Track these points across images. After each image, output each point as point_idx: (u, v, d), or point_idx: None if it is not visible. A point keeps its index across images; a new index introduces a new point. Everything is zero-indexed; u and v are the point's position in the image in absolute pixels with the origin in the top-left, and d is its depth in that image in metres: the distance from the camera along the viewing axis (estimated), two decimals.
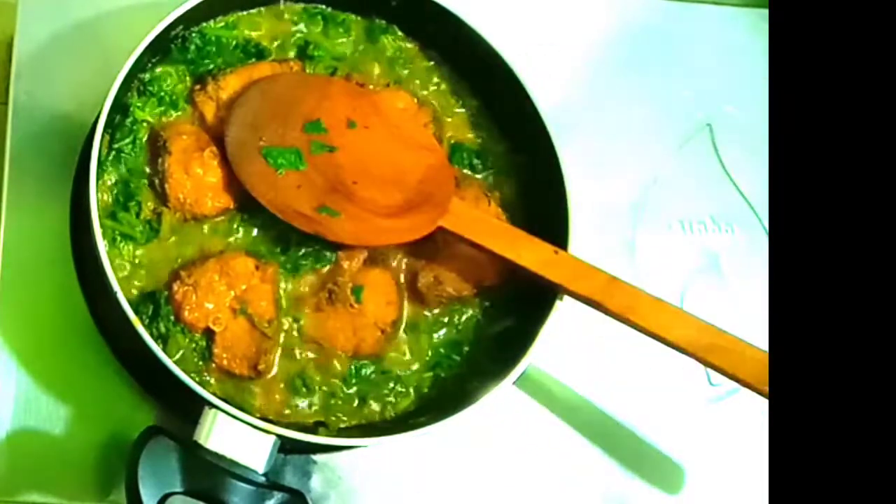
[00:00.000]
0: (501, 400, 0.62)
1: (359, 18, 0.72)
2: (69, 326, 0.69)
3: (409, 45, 0.72)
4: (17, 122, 0.71)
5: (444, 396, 0.66)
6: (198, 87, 0.67)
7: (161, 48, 0.67)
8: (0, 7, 0.75)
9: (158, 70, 0.68)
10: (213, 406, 0.59)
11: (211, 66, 0.68)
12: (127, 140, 0.66)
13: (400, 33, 0.72)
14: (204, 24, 0.69)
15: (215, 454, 0.58)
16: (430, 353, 0.67)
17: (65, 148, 0.71)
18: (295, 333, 0.65)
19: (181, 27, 0.67)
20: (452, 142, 0.71)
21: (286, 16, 0.71)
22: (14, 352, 0.68)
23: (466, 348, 0.68)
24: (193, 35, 0.68)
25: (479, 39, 0.68)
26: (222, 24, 0.70)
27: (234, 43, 0.69)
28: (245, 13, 0.70)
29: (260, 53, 0.70)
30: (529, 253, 0.64)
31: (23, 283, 0.69)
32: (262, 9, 0.71)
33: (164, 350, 0.61)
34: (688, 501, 0.73)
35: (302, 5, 0.71)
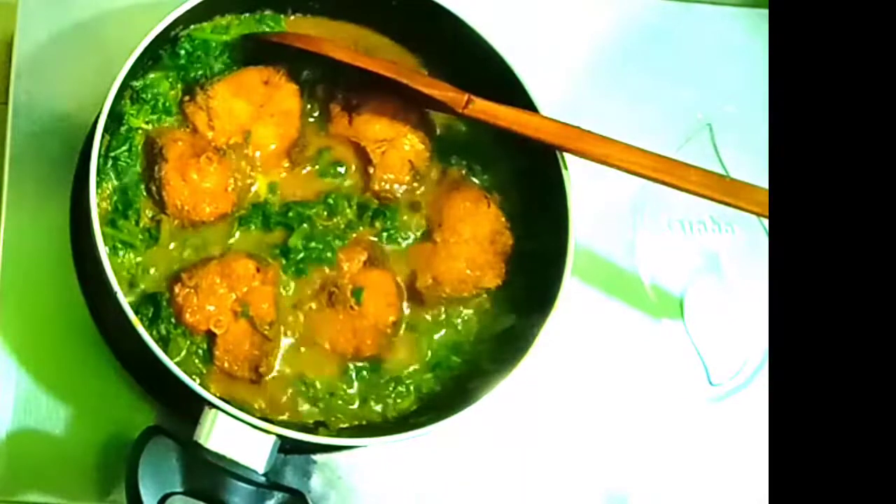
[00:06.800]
0: (501, 400, 0.62)
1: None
2: (69, 326, 0.69)
3: None
4: (17, 122, 0.71)
5: (444, 396, 0.66)
6: (186, 98, 0.67)
7: (153, 54, 0.67)
8: (0, 7, 0.75)
9: (150, 77, 0.67)
10: (213, 406, 0.59)
11: (201, 72, 0.68)
12: (123, 148, 0.66)
13: None
14: (193, 27, 0.68)
15: (215, 454, 0.58)
16: (430, 353, 0.67)
17: (65, 148, 0.71)
18: (295, 335, 0.65)
19: (180, 28, 0.67)
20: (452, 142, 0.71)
21: (283, 23, 0.70)
22: (14, 352, 0.68)
23: (466, 348, 0.68)
24: (183, 40, 0.68)
25: (479, 39, 0.68)
26: (211, 28, 0.69)
27: (222, 48, 0.69)
28: (236, 19, 0.70)
29: (248, 59, 0.69)
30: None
31: (23, 284, 0.69)
32: (258, 13, 0.70)
33: (165, 352, 0.60)
34: (688, 501, 0.73)
35: (298, 15, 0.71)
